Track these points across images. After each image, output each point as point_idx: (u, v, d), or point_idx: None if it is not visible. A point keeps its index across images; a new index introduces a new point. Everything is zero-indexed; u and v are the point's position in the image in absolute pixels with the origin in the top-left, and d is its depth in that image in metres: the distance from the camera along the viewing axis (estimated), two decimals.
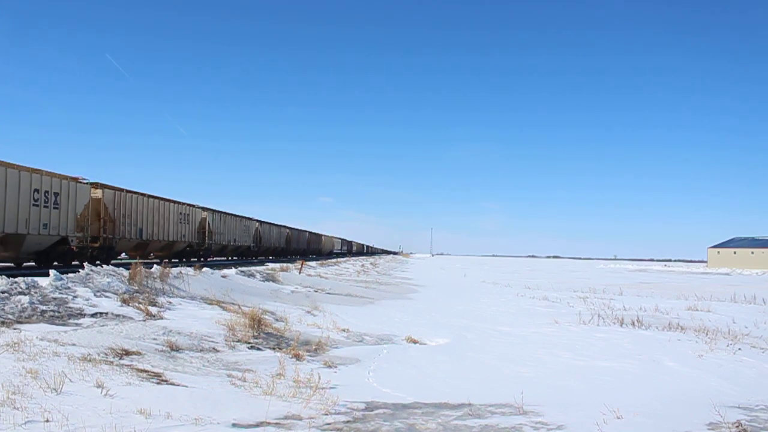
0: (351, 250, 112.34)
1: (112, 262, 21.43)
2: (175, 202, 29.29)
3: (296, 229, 62.35)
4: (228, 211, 38.71)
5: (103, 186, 22.29)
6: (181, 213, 29.68)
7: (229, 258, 41.00)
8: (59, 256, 19.76)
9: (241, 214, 41.90)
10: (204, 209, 33.91)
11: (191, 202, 31.96)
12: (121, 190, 23.50)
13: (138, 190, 24.89)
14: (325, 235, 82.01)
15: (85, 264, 13.59)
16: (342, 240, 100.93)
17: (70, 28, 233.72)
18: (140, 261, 15.45)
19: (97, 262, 20.01)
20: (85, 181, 20.95)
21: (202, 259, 33.36)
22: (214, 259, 36.54)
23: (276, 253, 52.07)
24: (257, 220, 46.62)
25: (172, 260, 29.30)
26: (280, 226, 54.91)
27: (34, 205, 17.46)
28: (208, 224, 34.35)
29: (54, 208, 18.55)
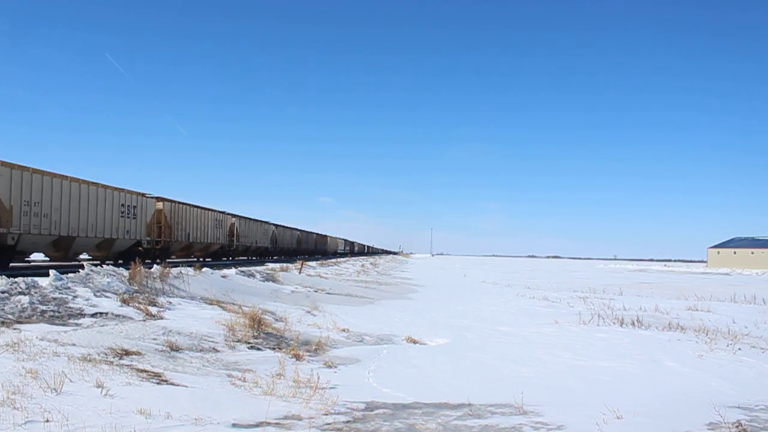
0: (353, 250, 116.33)
1: (167, 260, 25.42)
2: (212, 210, 33.85)
3: (305, 231, 67.98)
4: (251, 217, 44.51)
5: (163, 199, 27.01)
6: (216, 219, 34.45)
7: (250, 257, 45.52)
8: (134, 255, 22.08)
9: (261, 219, 47.51)
10: (233, 216, 38.61)
11: (223, 209, 36.68)
12: (175, 202, 28.27)
13: (187, 202, 29.91)
14: (330, 236, 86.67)
15: (85, 264, 13.61)
16: (345, 240, 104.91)
17: (70, 28, 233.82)
18: (185, 260, 17.96)
19: (158, 260, 24.33)
20: (150, 196, 25.45)
21: (230, 258, 38.62)
22: (239, 258, 41.50)
23: (288, 253, 56.51)
24: (273, 224, 51.23)
25: (207, 258, 34.34)
26: (293, 228, 60.28)
27: (121, 216, 22.56)
28: (236, 228, 39.34)
29: (132, 218, 23.49)
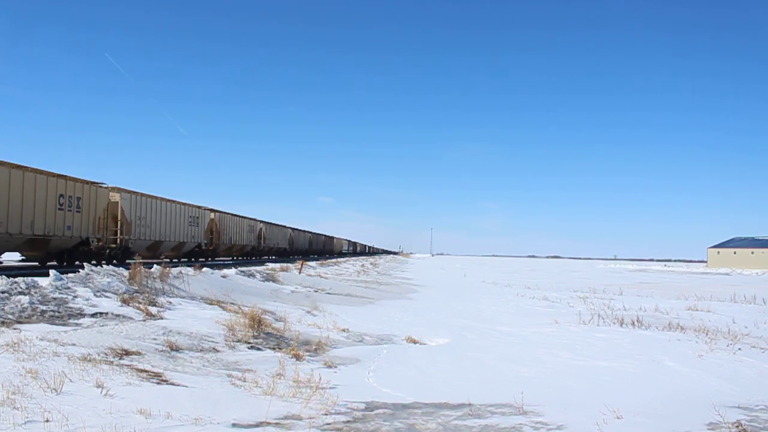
0: (356, 250, 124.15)
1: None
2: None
3: (316, 233, 76.00)
4: (275, 222, 48.26)
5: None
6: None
7: (270, 257, 47.55)
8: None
9: (280, 223, 50.49)
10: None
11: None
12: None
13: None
14: (336, 238, 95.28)
15: (85, 264, 13.59)
16: (348, 241, 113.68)
17: (70, 28, 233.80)
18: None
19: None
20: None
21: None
22: (263, 258, 43.42)
23: (302, 253, 62.80)
24: (290, 228, 55.10)
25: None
26: (305, 231, 68.60)
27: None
28: (263, 232, 41.22)
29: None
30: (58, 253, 20.07)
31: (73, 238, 19.95)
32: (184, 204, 30.34)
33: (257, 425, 5.20)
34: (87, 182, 20.82)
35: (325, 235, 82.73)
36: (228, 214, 38.05)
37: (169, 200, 28.24)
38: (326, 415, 5.70)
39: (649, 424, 5.84)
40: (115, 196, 23.21)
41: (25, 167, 17.42)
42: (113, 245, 22.94)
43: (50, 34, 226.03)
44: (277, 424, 5.28)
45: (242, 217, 41.43)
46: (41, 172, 18.02)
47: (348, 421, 5.59)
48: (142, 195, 25.23)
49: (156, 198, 26.63)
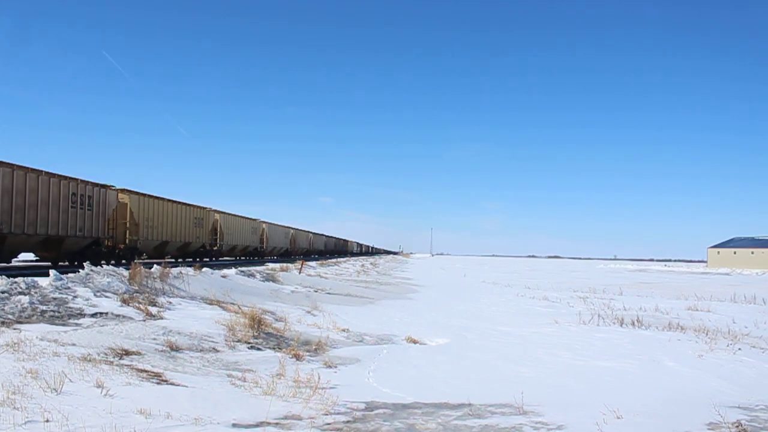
0: (362, 250, 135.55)
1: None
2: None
3: (333, 237, 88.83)
4: (304, 229, 52.74)
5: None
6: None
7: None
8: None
9: (305, 229, 56.18)
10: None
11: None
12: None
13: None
14: (350, 241, 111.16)
15: (85, 264, 13.59)
16: (357, 243, 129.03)
17: (70, 28, 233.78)
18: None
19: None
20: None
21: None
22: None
23: (319, 253, 69.61)
24: (313, 233, 62.14)
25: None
26: (322, 234, 77.20)
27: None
28: (295, 238, 43.40)
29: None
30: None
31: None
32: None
33: (257, 425, 5.20)
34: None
35: (336, 238, 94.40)
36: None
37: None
38: (326, 415, 5.70)
39: (649, 424, 5.84)
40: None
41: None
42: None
43: (50, 34, 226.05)
44: (277, 424, 5.28)
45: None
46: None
47: (348, 421, 5.59)
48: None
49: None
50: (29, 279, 10.65)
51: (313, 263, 39.80)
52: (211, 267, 21.09)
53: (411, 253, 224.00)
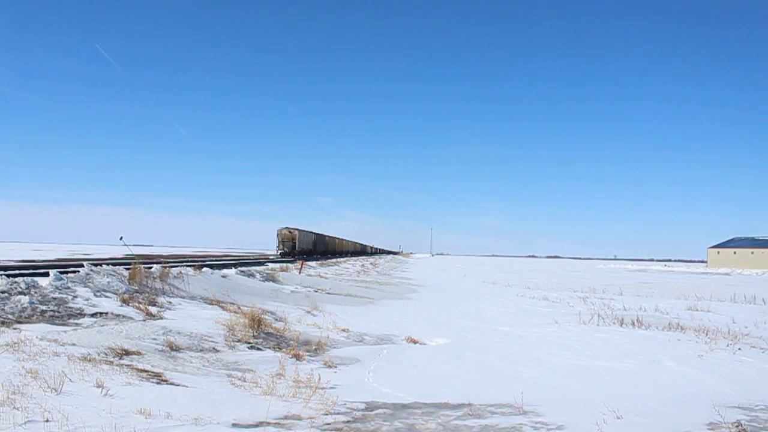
0: (362, 250, 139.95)
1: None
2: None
3: (360, 243, 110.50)
4: (315, 231, 66.06)
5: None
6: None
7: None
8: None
9: (347, 238, 74.98)
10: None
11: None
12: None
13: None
14: (369, 245, 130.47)
15: (85, 264, 13.60)
16: (369, 246, 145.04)
17: (70, 28, 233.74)
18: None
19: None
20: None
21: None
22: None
23: (345, 255, 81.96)
24: (337, 238, 75.28)
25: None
26: (346, 240, 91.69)
27: None
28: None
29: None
30: None
31: None
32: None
33: (257, 425, 5.20)
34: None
35: (356, 242, 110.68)
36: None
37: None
38: (326, 415, 5.70)
39: (649, 424, 5.84)
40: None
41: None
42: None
43: (50, 34, 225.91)
44: (277, 424, 5.28)
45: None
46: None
47: (348, 421, 5.59)
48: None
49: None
50: (29, 279, 10.65)
51: (313, 263, 39.80)
52: (211, 267, 21.08)
53: (411, 253, 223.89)
